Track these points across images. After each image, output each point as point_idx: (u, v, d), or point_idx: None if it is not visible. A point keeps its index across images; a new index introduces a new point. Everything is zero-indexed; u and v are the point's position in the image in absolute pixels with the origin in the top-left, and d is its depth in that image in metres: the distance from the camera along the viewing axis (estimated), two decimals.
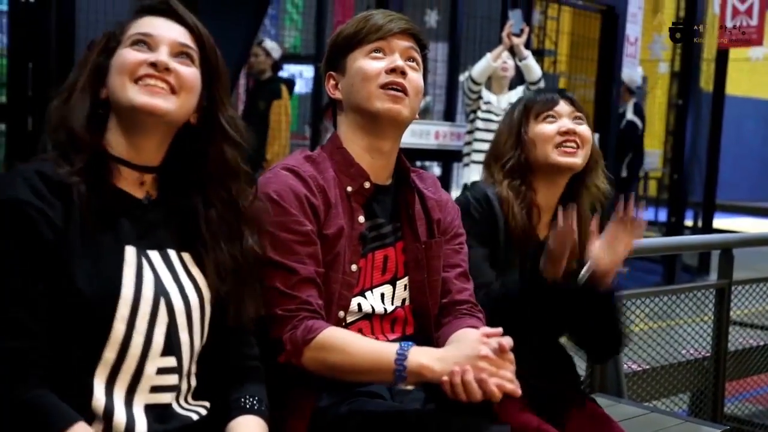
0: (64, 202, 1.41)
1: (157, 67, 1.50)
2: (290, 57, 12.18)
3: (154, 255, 1.52)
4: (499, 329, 1.62)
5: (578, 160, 2.21)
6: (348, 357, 1.66)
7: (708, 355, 3.80)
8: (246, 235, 1.61)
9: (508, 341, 1.58)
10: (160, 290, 1.49)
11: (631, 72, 7.88)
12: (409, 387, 1.68)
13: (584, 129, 2.24)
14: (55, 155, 1.47)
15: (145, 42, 1.52)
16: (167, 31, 1.55)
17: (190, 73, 1.54)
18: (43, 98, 5.65)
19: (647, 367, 3.57)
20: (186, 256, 1.57)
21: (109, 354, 1.43)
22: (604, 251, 2.08)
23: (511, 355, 1.58)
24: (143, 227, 1.52)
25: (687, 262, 8.19)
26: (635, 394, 3.48)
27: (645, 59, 11.34)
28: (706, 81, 9.11)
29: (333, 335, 1.68)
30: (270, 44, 6.66)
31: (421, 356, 1.61)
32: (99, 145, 1.50)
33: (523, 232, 2.19)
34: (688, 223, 9.07)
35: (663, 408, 3.58)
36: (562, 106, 2.25)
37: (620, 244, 2.08)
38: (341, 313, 1.78)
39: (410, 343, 1.65)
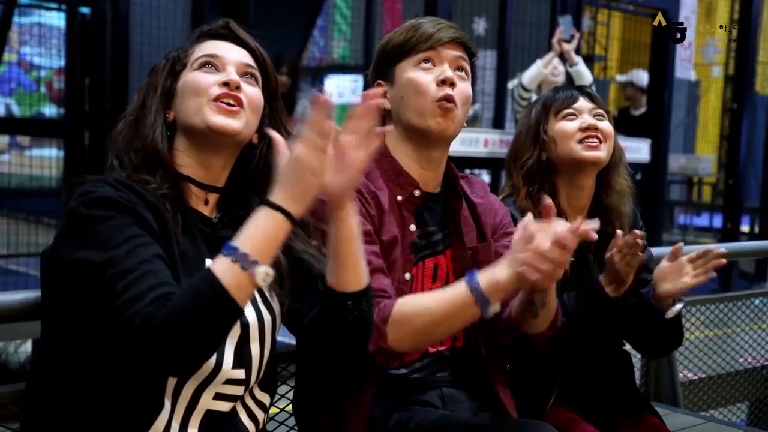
0: (152, 212, 1.42)
1: (230, 86, 1.53)
2: (339, 67, 12.26)
3: None
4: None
5: (602, 154, 2.15)
6: (428, 315, 1.65)
7: (766, 363, 3.73)
8: (306, 242, 1.62)
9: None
10: None
11: (641, 73, 7.65)
12: (496, 309, 1.63)
13: (606, 125, 2.17)
14: (127, 174, 1.48)
15: (212, 64, 1.56)
16: (232, 53, 1.58)
17: (256, 93, 1.58)
18: (99, 113, 5.79)
19: (704, 375, 3.51)
20: None
21: None
22: (671, 280, 2.09)
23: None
24: (216, 244, 1.52)
25: (743, 268, 8.05)
26: (691, 403, 3.42)
27: (698, 63, 11.17)
28: (761, 84, 8.96)
29: (405, 304, 1.67)
30: None
31: (487, 274, 1.60)
32: (174, 165, 1.53)
33: None
34: (744, 228, 8.91)
35: (721, 418, 3.51)
36: (582, 103, 2.19)
37: (687, 277, 2.08)
38: None
39: (473, 271, 1.63)
